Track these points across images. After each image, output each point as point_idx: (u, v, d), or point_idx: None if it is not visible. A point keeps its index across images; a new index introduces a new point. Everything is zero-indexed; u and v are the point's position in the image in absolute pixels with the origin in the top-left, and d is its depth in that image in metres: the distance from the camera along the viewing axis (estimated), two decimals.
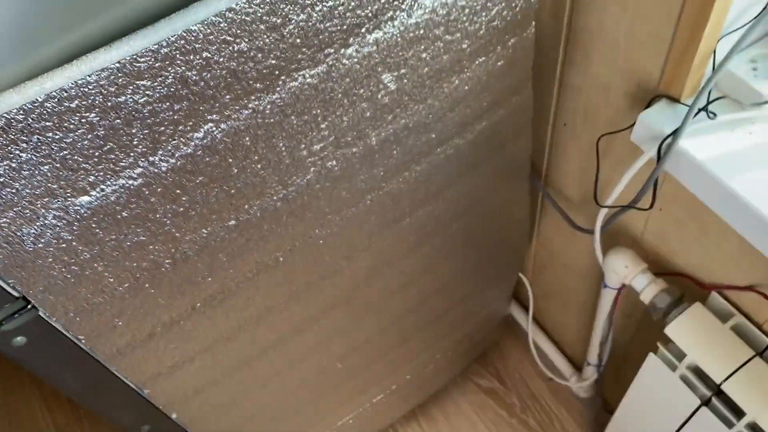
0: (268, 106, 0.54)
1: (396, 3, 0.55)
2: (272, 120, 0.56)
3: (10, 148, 0.44)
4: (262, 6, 0.46)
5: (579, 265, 1.07)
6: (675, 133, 0.62)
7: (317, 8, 0.50)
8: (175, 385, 0.76)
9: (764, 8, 0.59)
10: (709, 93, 0.62)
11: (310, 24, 0.51)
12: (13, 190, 0.46)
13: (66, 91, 0.43)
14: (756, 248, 0.61)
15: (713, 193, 0.62)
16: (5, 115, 0.42)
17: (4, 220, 0.47)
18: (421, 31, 0.59)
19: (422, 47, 0.61)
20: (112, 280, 0.58)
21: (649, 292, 0.80)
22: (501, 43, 0.68)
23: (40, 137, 0.44)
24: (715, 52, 0.61)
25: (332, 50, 0.54)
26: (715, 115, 0.62)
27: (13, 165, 0.45)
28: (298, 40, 0.51)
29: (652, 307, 0.79)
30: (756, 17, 0.59)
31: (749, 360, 0.72)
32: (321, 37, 0.52)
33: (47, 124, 0.44)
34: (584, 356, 1.18)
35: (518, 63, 0.72)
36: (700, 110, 0.62)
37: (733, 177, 0.60)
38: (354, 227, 0.74)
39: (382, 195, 0.73)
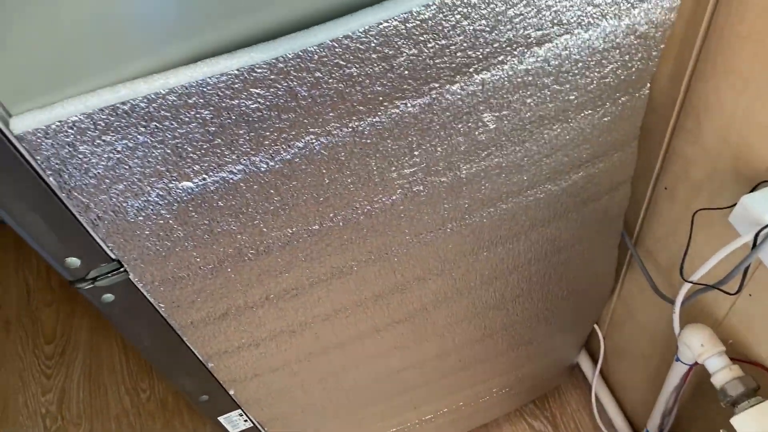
0: (368, 128, 0.57)
1: (509, 49, 0.56)
2: (369, 141, 0.58)
3: (129, 129, 0.48)
4: (377, 38, 0.49)
5: (656, 330, 1.04)
6: None
7: (429, 45, 0.52)
8: (237, 365, 0.81)
9: None
10: None
11: (420, 59, 0.53)
12: (126, 167, 0.51)
13: (187, 88, 0.47)
14: None
15: None
16: (131, 100, 0.46)
17: (114, 191, 0.52)
18: (530, 78, 0.60)
19: (528, 93, 0.61)
20: (198, 259, 0.62)
21: (721, 376, 0.76)
22: (611, 100, 0.67)
23: (158, 125, 0.49)
24: None
25: (437, 85, 0.56)
26: None
27: (130, 145, 0.49)
28: (406, 72, 0.53)
29: (722, 393, 0.76)
30: None
31: None
32: (429, 71, 0.54)
33: (166, 114, 0.48)
34: (645, 422, 1.14)
35: (626, 121, 0.71)
36: None
37: None
38: (430, 251, 0.76)
39: (463, 226, 0.74)
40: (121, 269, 0.62)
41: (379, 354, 0.92)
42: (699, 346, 0.79)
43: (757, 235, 0.61)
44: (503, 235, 0.79)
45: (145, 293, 0.65)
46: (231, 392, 0.86)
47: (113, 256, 0.60)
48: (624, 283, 1.11)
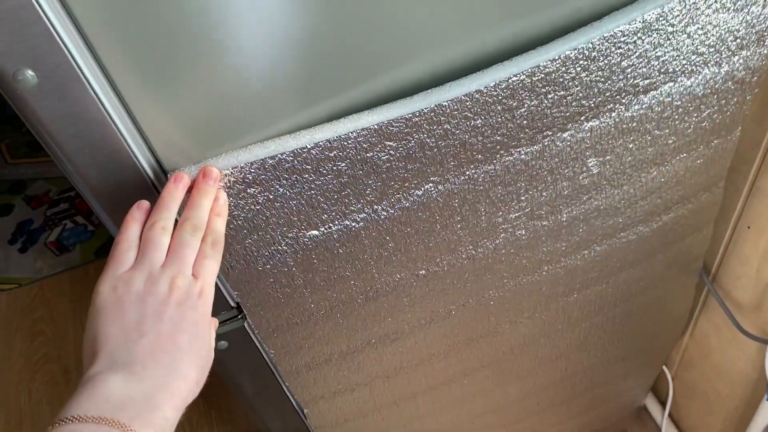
0: (482, 175, 0.59)
1: (618, 97, 0.58)
2: (482, 187, 0.60)
3: (273, 182, 0.51)
4: (505, 91, 0.52)
5: (735, 370, 1.03)
6: None
7: (549, 96, 0.54)
8: (331, 410, 0.82)
9: None
10: None
11: (539, 109, 0.55)
12: (264, 217, 0.54)
13: (330, 142, 0.50)
14: None
15: None
16: (279, 155, 0.49)
17: (249, 241, 0.55)
18: (634, 124, 0.62)
19: (631, 138, 0.63)
20: (313, 305, 0.65)
21: None
22: (705, 143, 0.69)
23: (299, 177, 0.51)
24: None
25: (551, 133, 0.59)
26: None
27: (271, 197, 0.52)
28: (525, 122, 0.56)
29: None
30: None
31: None
32: (545, 120, 0.57)
33: (307, 167, 0.51)
34: None
35: (716, 163, 0.73)
36: None
37: None
38: (524, 294, 0.77)
39: (559, 268, 0.75)
40: (239, 316, 0.64)
41: (463, 398, 0.93)
42: None
43: None
44: (594, 276, 0.80)
45: (256, 340, 0.67)
46: None
47: (233, 304, 0.62)
48: (698, 323, 1.10)
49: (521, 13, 0.51)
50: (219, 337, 0.66)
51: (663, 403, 1.33)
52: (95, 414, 0.37)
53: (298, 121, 0.50)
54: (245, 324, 0.65)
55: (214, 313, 0.63)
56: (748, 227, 0.85)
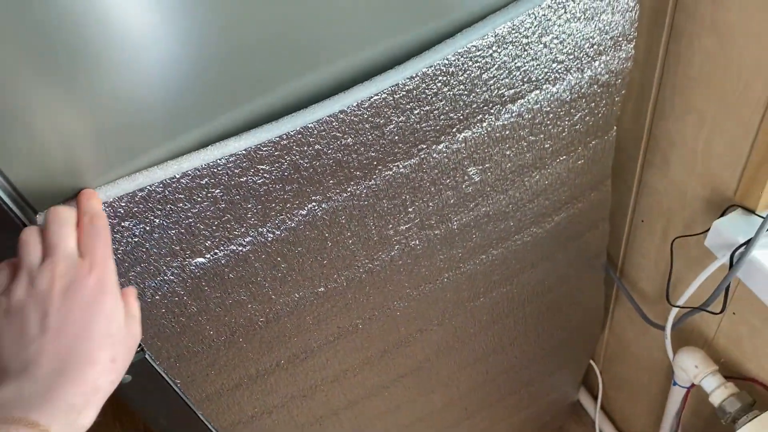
0: (365, 191, 0.61)
1: (486, 108, 0.61)
2: (366, 202, 0.62)
3: (147, 214, 0.51)
4: (369, 109, 0.54)
5: (650, 358, 1.07)
6: (748, 243, 0.64)
7: (416, 112, 0.57)
8: None
9: None
10: None
11: (408, 124, 0.57)
12: (144, 249, 0.54)
13: (199, 171, 0.51)
14: None
15: None
16: (148, 186, 0.50)
17: (133, 273, 0.55)
18: (507, 132, 0.65)
19: (507, 145, 0.66)
20: (212, 332, 0.65)
21: (718, 395, 0.80)
22: (582, 144, 0.73)
23: (173, 206, 0.52)
24: None
25: (425, 146, 0.61)
26: None
27: (147, 228, 0.53)
28: (396, 137, 0.58)
29: (720, 411, 0.79)
30: None
31: None
32: (416, 135, 0.59)
33: (180, 196, 0.52)
34: None
35: (598, 162, 0.77)
36: None
37: None
38: (430, 302, 0.79)
39: (459, 275, 0.78)
40: (138, 349, 0.64)
41: (388, 410, 0.94)
42: (693, 368, 0.83)
43: (732, 255, 0.66)
44: (496, 280, 0.83)
45: (161, 371, 0.67)
46: None
47: None
48: (614, 316, 1.14)
49: (384, 34, 0.53)
50: None
51: (595, 397, 1.36)
52: None
53: (171, 149, 0.51)
54: (146, 356, 0.65)
55: None
56: (642, 221, 0.89)
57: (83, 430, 0.38)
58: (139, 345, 0.63)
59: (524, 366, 1.08)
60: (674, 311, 0.79)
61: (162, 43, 0.44)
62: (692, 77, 0.67)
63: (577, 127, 0.70)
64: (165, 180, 0.50)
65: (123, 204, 0.50)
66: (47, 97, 0.43)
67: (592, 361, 1.31)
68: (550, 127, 0.68)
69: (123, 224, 0.51)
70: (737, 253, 0.65)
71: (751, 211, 0.67)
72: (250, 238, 0.58)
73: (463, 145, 0.63)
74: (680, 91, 0.69)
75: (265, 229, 0.58)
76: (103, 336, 0.42)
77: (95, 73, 0.43)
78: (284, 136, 0.52)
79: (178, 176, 0.50)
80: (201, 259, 0.58)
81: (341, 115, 0.53)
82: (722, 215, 0.69)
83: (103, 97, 0.45)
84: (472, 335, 0.90)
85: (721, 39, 0.61)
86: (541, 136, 0.68)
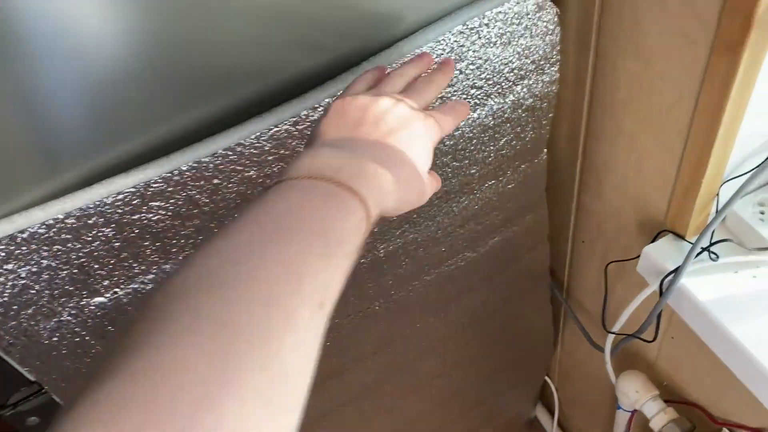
0: None
1: None
2: None
3: (32, 255, 0.48)
4: (270, 141, 0.51)
5: (599, 379, 1.05)
6: (677, 271, 0.62)
7: None
8: None
9: (767, 158, 0.60)
10: (712, 234, 0.63)
11: None
12: (33, 291, 0.51)
13: (85, 210, 0.48)
14: (756, 398, 0.60)
15: (714, 335, 0.61)
16: (29, 228, 0.47)
17: (24, 316, 0.52)
18: None
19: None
20: None
21: (658, 420, 0.78)
22: (511, 168, 0.71)
23: (61, 247, 0.49)
24: (718, 194, 0.62)
25: None
26: (717, 256, 0.62)
27: (34, 270, 0.49)
28: None
29: None
30: (759, 165, 0.60)
31: None
32: None
33: (67, 236, 0.49)
34: None
35: (530, 185, 0.75)
36: (703, 250, 0.62)
37: (734, 322, 0.60)
38: (362, 331, 0.76)
39: (391, 302, 0.75)
40: (43, 390, 0.61)
41: None
42: (634, 393, 0.81)
43: (661, 283, 0.64)
44: (431, 306, 0.80)
45: None
46: None
47: (33, 378, 0.59)
48: (565, 335, 1.13)
49: (288, 64, 0.50)
50: (27, 413, 0.63)
51: (553, 414, 1.35)
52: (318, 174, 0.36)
53: (53, 188, 0.48)
54: (53, 397, 0.61)
55: (11, 389, 0.60)
56: (582, 242, 0.87)
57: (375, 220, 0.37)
58: (42, 387, 0.60)
59: (473, 388, 1.06)
60: (611, 337, 0.77)
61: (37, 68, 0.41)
62: (620, 100, 0.65)
63: (504, 151, 0.68)
64: (48, 221, 0.47)
65: (2, 246, 0.47)
66: None
67: (547, 378, 1.29)
68: (474, 152, 0.65)
69: (6, 267, 0.48)
70: (666, 280, 0.64)
71: (681, 237, 0.65)
72: (153, 276, 0.56)
73: None
74: (609, 113, 0.67)
75: (168, 266, 0.56)
76: (414, 163, 0.41)
77: None
78: (176, 172, 0.49)
79: (62, 217, 0.47)
80: (100, 299, 0.55)
81: (239, 148, 0.50)
82: (654, 240, 0.67)
83: None
84: (412, 362, 0.88)
85: (644, 62, 0.59)
86: (466, 161, 0.66)
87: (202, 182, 0.51)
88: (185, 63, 0.46)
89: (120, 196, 0.48)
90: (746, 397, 0.65)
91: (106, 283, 0.54)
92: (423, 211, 0.67)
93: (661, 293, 0.64)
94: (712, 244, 0.63)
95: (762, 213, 0.64)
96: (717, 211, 0.62)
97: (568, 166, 0.79)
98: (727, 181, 0.62)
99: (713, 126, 0.55)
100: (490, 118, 0.63)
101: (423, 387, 0.95)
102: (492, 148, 0.66)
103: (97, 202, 0.48)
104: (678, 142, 0.60)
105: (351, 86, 0.45)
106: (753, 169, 0.61)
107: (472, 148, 0.65)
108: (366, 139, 0.40)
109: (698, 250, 0.62)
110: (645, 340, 0.70)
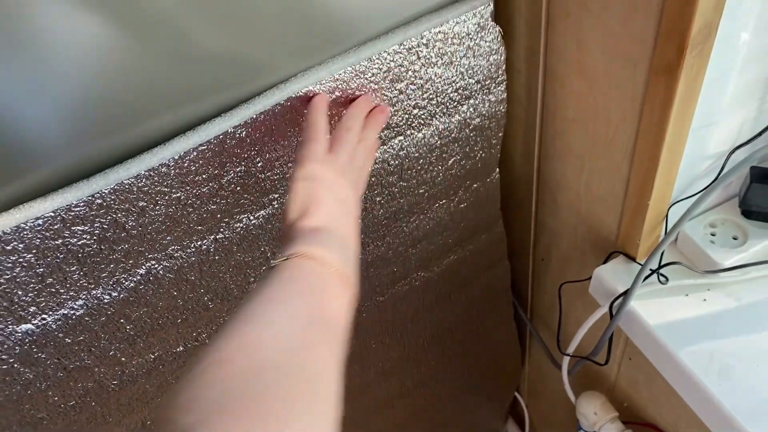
0: (212, 245, 0.57)
1: None
2: (218, 257, 0.58)
3: None
4: (196, 161, 0.49)
5: (563, 398, 1.04)
6: (626, 294, 0.61)
7: (256, 160, 0.53)
8: None
9: (714, 179, 0.59)
10: (662, 256, 0.61)
11: (251, 173, 0.53)
12: None
13: (1, 237, 0.46)
14: (703, 424, 0.58)
15: (662, 359, 0.60)
16: None
17: None
18: (373, 179, 0.61)
19: (375, 192, 0.63)
20: (56, 398, 0.60)
21: None
22: (463, 188, 0.69)
23: None
24: (667, 216, 0.61)
25: (277, 195, 0.57)
26: (666, 279, 0.61)
27: None
28: (239, 188, 0.54)
29: None
30: (707, 187, 0.59)
31: None
32: (264, 184, 0.55)
33: None
34: None
35: (484, 205, 0.73)
36: (652, 272, 0.61)
37: (682, 347, 0.58)
38: None
39: None
40: None
41: None
42: (593, 415, 0.80)
43: (611, 305, 0.63)
44: (386, 326, 0.79)
45: None
46: None
47: None
48: (532, 353, 1.11)
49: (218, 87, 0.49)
50: None
51: (524, 430, 1.33)
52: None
53: None
54: None
55: None
56: (542, 259, 0.86)
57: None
58: None
59: (439, 407, 1.04)
60: (567, 358, 0.76)
61: None
62: (569, 119, 0.64)
63: (453, 171, 0.66)
64: None
65: None
66: None
67: (517, 394, 1.27)
68: (422, 172, 0.64)
69: None
70: (616, 303, 0.62)
71: (632, 259, 0.64)
72: (83, 301, 0.54)
73: None
74: (560, 132, 0.66)
75: (98, 291, 0.54)
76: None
77: None
78: (97, 195, 0.47)
79: None
80: (28, 326, 0.53)
81: (163, 169, 0.49)
82: (605, 261, 0.66)
83: None
84: (372, 382, 0.86)
85: (589, 82, 0.58)
86: (414, 181, 0.64)
87: (126, 205, 0.49)
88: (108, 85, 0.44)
89: (39, 221, 0.47)
90: (698, 421, 0.64)
91: (32, 309, 0.52)
92: (371, 231, 0.66)
93: (611, 316, 0.63)
94: (661, 266, 0.62)
95: (713, 235, 0.63)
96: (666, 233, 0.61)
97: (526, 184, 0.78)
98: (676, 202, 0.61)
99: (656, 148, 0.54)
100: (437, 138, 0.62)
101: (385, 408, 0.93)
102: (440, 167, 0.65)
103: (15, 227, 0.46)
104: (624, 162, 0.59)
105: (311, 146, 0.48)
106: (701, 191, 0.60)
107: (419, 167, 0.63)
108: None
109: (647, 272, 0.61)
110: (598, 363, 0.69)
